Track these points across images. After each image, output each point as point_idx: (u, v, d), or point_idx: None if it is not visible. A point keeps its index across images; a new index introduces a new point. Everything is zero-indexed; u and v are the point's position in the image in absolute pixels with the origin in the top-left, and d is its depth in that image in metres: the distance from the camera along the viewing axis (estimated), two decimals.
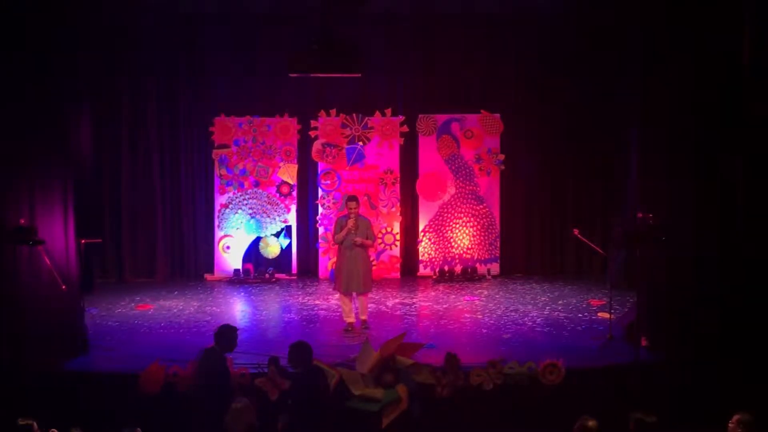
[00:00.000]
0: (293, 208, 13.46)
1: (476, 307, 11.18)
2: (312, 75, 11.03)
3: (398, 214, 13.41)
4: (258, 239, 13.35)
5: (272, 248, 13.37)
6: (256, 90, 13.38)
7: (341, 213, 13.06)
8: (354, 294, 9.81)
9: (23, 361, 7.92)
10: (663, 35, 8.79)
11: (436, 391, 7.69)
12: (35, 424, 6.28)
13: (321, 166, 13.40)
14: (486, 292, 12.15)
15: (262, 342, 9.30)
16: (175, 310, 11.07)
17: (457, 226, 13.42)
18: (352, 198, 9.98)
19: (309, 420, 6.83)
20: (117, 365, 8.35)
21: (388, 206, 13.37)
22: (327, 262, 13.28)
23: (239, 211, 13.31)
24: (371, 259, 10.58)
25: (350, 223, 9.72)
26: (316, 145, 13.32)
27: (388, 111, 13.29)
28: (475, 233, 13.41)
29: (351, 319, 9.87)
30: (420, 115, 13.37)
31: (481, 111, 13.37)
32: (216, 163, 13.33)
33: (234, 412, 6.02)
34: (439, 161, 13.41)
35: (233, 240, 13.31)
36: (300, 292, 12.30)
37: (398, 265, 13.47)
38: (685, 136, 8.68)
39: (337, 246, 10.11)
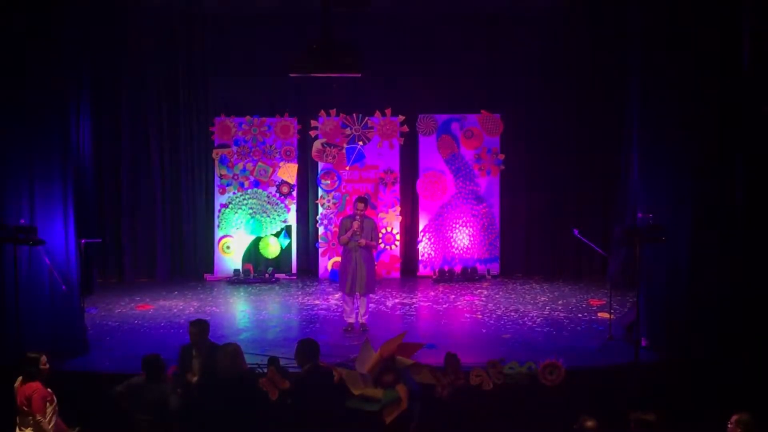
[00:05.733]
0: (293, 208, 13.46)
1: (476, 307, 11.18)
2: (312, 75, 11.03)
3: (398, 214, 13.41)
4: (258, 239, 13.36)
5: (272, 248, 13.38)
6: (256, 90, 13.39)
7: (342, 213, 13.13)
8: (357, 294, 9.82)
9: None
10: (662, 35, 8.79)
11: (436, 391, 7.68)
12: (44, 357, 6.41)
13: (321, 166, 13.41)
14: (486, 292, 12.15)
15: (262, 342, 9.31)
16: (175, 310, 11.08)
17: (457, 226, 13.42)
18: (362, 199, 9.97)
19: (313, 418, 6.81)
20: (117, 365, 8.35)
21: (388, 206, 13.37)
22: (327, 262, 13.29)
23: (239, 211, 13.32)
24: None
25: (355, 224, 9.72)
26: (316, 145, 13.33)
27: (388, 111, 13.29)
28: (475, 233, 13.41)
29: (352, 320, 9.88)
30: (420, 115, 13.38)
31: (481, 111, 13.38)
32: (216, 163, 13.34)
33: (224, 353, 6.64)
34: (439, 161, 13.42)
35: (233, 240, 13.32)
36: (300, 292, 12.31)
37: (398, 265, 13.47)
38: (685, 135, 8.68)
39: (340, 245, 10.12)
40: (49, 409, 6.45)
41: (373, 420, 7.33)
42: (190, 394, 6.96)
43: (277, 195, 13.38)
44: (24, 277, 8.28)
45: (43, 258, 8.43)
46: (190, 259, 13.50)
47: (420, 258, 13.51)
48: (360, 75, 10.88)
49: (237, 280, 12.99)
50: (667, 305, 8.78)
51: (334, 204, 13.34)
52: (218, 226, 13.34)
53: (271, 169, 13.37)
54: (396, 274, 13.42)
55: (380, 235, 12.65)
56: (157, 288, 12.58)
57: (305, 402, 6.85)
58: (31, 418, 6.38)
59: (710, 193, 8.63)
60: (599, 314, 10.49)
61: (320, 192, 13.43)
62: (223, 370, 6.71)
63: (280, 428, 6.96)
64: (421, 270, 13.46)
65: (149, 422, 6.69)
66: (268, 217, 13.35)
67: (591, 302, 11.33)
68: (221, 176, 13.33)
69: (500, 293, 12.08)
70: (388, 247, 13.33)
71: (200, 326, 7.28)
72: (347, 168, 13.35)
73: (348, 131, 13.34)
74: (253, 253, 13.36)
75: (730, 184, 8.60)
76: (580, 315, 10.63)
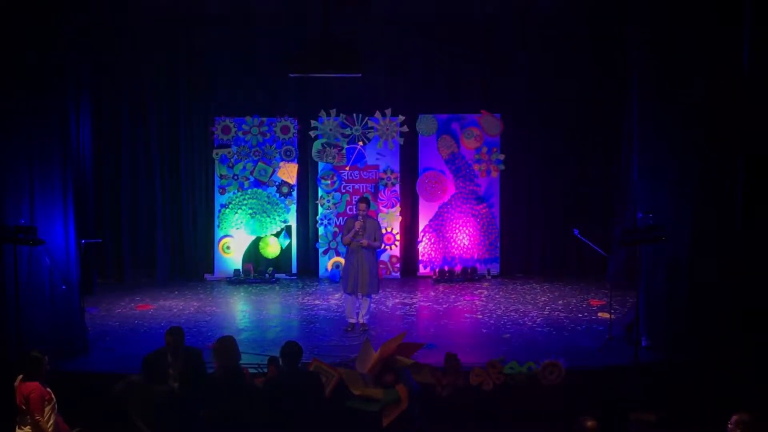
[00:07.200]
0: (293, 208, 13.46)
1: (476, 307, 11.18)
2: (312, 75, 11.02)
3: (398, 214, 13.41)
4: (258, 239, 13.36)
5: (272, 248, 13.38)
6: (256, 90, 13.38)
7: (342, 214, 13.14)
8: (360, 295, 9.83)
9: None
10: (663, 35, 8.79)
11: (436, 391, 7.68)
12: (46, 358, 6.45)
13: (321, 166, 13.41)
14: (486, 292, 12.14)
15: (262, 342, 9.31)
16: (175, 310, 11.08)
17: (457, 226, 13.42)
18: (364, 199, 10.00)
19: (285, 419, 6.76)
20: (117, 365, 8.35)
21: (388, 206, 13.37)
22: (327, 262, 13.30)
23: (239, 211, 13.32)
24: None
25: (357, 224, 9.73)
26: (316, 145, 13.33)
27: (388, 111, 13.29)
28: (475, 233, 13.41)
29: (353, 320, 9.89)
30: (420, 115, 13.38)
31: (481, 111, 13.38)
32: (216, 163, 13.34)
33: (221, 345, 6.81)
34: (439, 161, 13.42)
35: (233, 240, 13.32)
36: (300, 292, 12.31)
37: (398, 265, 13.47)
38: (685, 135, 8.68)
39: (343, 246, 10.14)
40: (48, 409, 6.46)
41: (353, 423, 7.33)
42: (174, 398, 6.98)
43: (277, 195, 13.38)
44: (24, 277, 8.27)
45: (43, 258, 8.43)
46: (190, 259, 13.50)
47: (420, 258, 13.50)
48: (360, 75, 10.88)
49: (237, 280, 12.99)
50: (667, 305, 8.78)
51: (334, 204, 13.34)
52: (218, 226, 13.35)
53: (271, 169, 13.37)
54: (396, 274, 13.43)
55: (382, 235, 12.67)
56: (157, 288, 12.58)
57: (278, 402, 6.80)
58: (29, 417, 6.39)
59: (710, 193, 8.62)
60: (599, 314, 10.49)
61: (320, 192, 13.43)
62: (220, 360, 6.79)
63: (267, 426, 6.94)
64: (421, 270, 13.46)
65: (147, 422, 6.70)
66: (268, 217, 13.35)
67: (591, 302, 11.33)
68: (221, 176, 13.33)
69: (500, 293, 12.07)
70: (388, 247, 13.32)
71: (178, 333, 7.29)
72: (347, 168, 13.35)
73: (348, 131, 13.34)
74: (253, 253, 13.36)
75: (730, 184, 8.60)
76: (580, 315, 10.63)
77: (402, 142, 13.38)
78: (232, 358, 6.92)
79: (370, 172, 13.39)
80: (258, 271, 13.13)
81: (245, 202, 13.31)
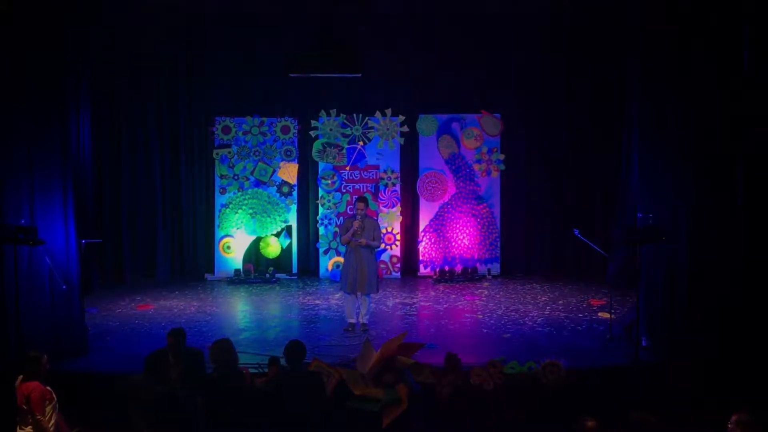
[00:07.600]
0: (293, 208, 13.47)
1: (476, 307, 11.18)
2: (312, 75, 11.01)
3: (398, 214, 13.42)
4: (258, 239, 13.36)
5: (272, 248, 13.38)
6: (256, 90, 13.39)
7: (343, 214, 13.14)
8: (359, 294, 9.83)
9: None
10: (662, 34, 8.79)
11: (436, 391, 7.68)
12: (45, 357, 6.49)
13: (321, 166, 13.41)
14: (486, 292, 12.15)
15: (262, 342, 9.31)
16: (175, 310, 11.08)
17: (457, 226, 13.42)
18: (362, 199, 10.00)
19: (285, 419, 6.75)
20: (117, 365, 8.35)
21: (388, 206, 13.37)
22: (327, 262, 13.30)
23: (239, 211, 13.32)
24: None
25: (356, 224, 9.74)
26: (317, 145, 13.33)
27: (388, 111, 13.29)
28: (475, 233, 13.41)
29: (353, 320, 9.88)
30: (420, 115, 13.38)
31: (481, 111, 13.38)
32: (216, 163, 13.34)
33: (218, 347, 6.93)
34: (439, 161, 13.42)
35: (233, 240, 13.32)
36: (300, 292, 12.31)
37: (399, 265, 13.48)
38: (685, 136, 8.68)
39: (342, 245, 10.14)
40: (49, 408, 6.47)
41: (353, 423, 7.32)
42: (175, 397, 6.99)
43: (278, 195, 13.39)
44: (24, 277, 8.27)
45: (44, 258, 8.43)
46: (191, 259, 13.51)
47: (420, 258, 13.51)
48: (360, 75, 10.88)
49: (238, 280, 12.99)
50: (667, 305, 8.78)
51: (335, 204, 13.35)
52: (219, 226, 13.35)
53: (271, 169, 13.37)
54: (396, 273, 13.43)
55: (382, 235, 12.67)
56: (158, 288, 12.58)
57: (279, 402, 6.79)
58: (30, 416, 6.40)
59: (710, 193, 8.62)
60: (599, 314, 10.49)
61: (320, 192, 13.43)
62: (218, 363, 6.78)
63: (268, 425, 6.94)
64: (422, 270, 13.47)
65: (148, 422, 6.70)
66: (269, 217, 13.36)
67: (591, 302, 11.33)
68: (221, 176, 13.34)
69: (500, 293, 12.08)
70: (388, 247, 13.33)
71: (179, 335, 7.30)
72: (347, 168, 13.35)
73: (348, 131, 13.34)
74: (253, 253, 13.37)
75: (730, 184, 8.60)
76: (580, 315, 10.63)
77: (402, 142, 13.39)
78: (229, 359, 6.91)
79: (371, 172, 13.39)
80: (258, 271, 13.14)
81: (245, 202, 13.32)
